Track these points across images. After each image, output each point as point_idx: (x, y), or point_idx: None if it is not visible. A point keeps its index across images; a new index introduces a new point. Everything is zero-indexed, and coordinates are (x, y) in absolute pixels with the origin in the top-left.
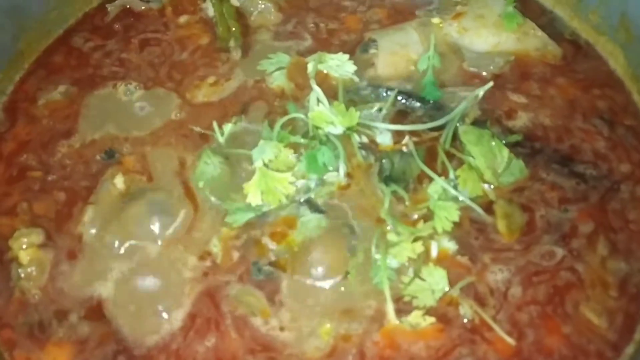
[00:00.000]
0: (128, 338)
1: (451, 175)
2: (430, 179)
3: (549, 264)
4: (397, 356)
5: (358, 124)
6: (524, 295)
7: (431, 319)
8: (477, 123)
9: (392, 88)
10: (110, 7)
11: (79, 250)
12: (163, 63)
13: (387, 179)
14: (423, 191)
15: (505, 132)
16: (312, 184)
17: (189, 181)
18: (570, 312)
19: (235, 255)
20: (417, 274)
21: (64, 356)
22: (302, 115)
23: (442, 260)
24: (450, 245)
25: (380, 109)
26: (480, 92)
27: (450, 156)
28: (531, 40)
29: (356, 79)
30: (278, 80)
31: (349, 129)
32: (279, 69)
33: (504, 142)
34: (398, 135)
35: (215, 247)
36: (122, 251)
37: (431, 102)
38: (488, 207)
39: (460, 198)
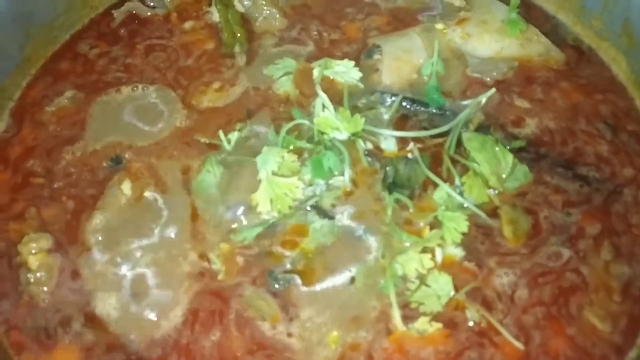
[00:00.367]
0: (133, 345)
1: (457, 181)
2: (435, 185)
3: (555, 264)
4: None
5: (363, 130)
6: (530, 297)
7: (438, 325)
8: (481, 129)
9: (397, 94)
10: (116, 13)
11: (85, 256)
12: (168, 68)
13: (391, 186)
14: (428, 198)
15: (509, 137)
16: (318, 190)
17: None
18: (575, 314)
19: (242, 266)
20: (422, 281)
21: (74, 356)
22: (306, 122)
23: (449, 267)
24: (458, 252)
25: (383, 115)
26: (484, 98)
27: (454, 162)
28: (534, 46)
29: (360, 85)
30: (285, 86)
31: (354, 134)
32: (285, 74)
33: (508, 147)
34: (402, 141)
35: (215, 264)
36: (126, 258)
37: (435, 107)
38: (493, 212)
39: (465, 204)
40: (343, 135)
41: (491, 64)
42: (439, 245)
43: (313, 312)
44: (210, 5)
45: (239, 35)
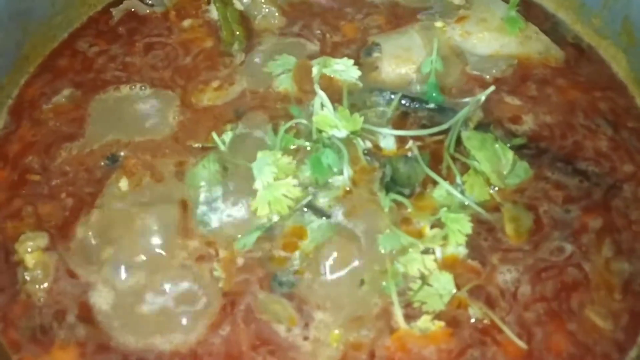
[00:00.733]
0: (130, 344)
1: (458, 180)
2: (435, 184)
3: (558, 259)
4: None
5: (362, 128)
6: (532, 293)
7: (440, 323)
8: (480, 127)
9: (396, 91)
10: (114, 11)
11: (81, 254)
12: (167, 67)
13: (389, 185)
14: (428, 196)
15: (509, 135)
16: (314, 189)
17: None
18: (576, 310)
19: (246, 271)
20: (425, 281)
21: (70, 357)
22: (304, 121)
23: (452, 265)
24: (461, 250)
25: (383, 113)
26: (483, 96)
27: (454, 160)
28: (534, 44)
29: (360, 83)
30: (284, 83)
31: (352, 133)
32: (284, 71)
33: (508, 145)
34: (401, 139)
35: (217, 271)
36: (121, 257)
37: (434, 105)
38: (494, 207)
39: (466, 202)
40: (342, 133)
41: (491, 62)
42: (442, 245)
43: (323, 313)
44: (208, 3)
45: (237, 33)
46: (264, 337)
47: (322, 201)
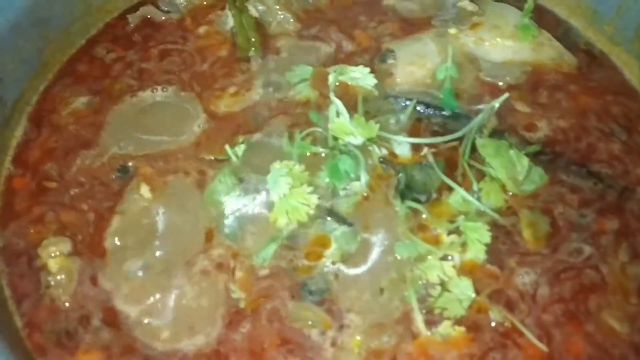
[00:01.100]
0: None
1: (474, 187)
2: (451, 190)
3: (576, 260)
4: None
5: (377, 136)
6: (551, 294)
7: (460, 329)
8: (494, 134)
9: (411, 98)
10: (131, 18)
11: (104, 259)
12: (183, 72)
13: (405, 192)
14: (444, 202)
15: (524, 141)
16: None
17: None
18: (594, 312)
19: (272, 284)
20: (444, 287)
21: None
22: (319, 129)
23: (471, 270)
24: (480, 256)
25: (398, 120)
26: (496, 103)
27: (469, 167)
28: (547, 51)
29: (375, 91)
30: (303, 91)
31: (368, 140)
32: (302, 80)
33: (523, 152)
34: (416, 146)
35: (235, 292)
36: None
37: (449, 111)
38: (510, 211)
39: (482, 208)
40: (358, 140)
41: (504, 68)
42: (459, 252)
43: (354, 317)
44: (223, 9)
45: (253, 39)
46: (290, 340)
47: (343, 208)
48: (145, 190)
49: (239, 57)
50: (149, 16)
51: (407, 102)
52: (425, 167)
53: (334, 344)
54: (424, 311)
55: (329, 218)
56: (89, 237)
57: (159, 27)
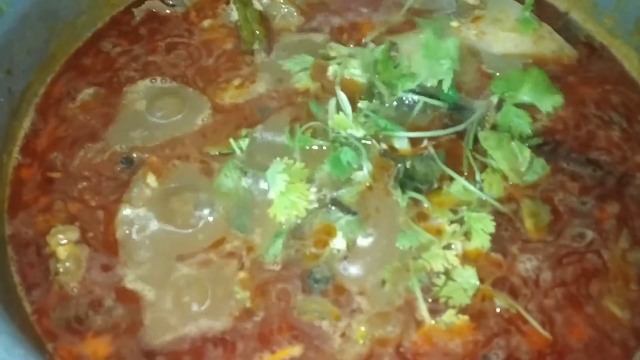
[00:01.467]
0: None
1: (477, 177)
2: (452, 180)
3: (579, 245)
4: (434, 353)
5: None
6: (553, 278)
7: (464, 317)
8: (496, 126)
9: (414, 89)
10: (136, 11)
11: (113, 246)
12: (189, 66)
13: (405, 182)
14: (445, 192)
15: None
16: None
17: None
18: (595, 296)
19: (282, 273)
20: (449, 276)
21: (103, 347)
22: (319, 123)
23: (475, 259)
24: (485, 245)
25: (401, 111)
26: (496, 97)
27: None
28: (547, 43)
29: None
30: (303, 80)
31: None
32: (303, 69)
33: (526, 144)
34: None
35: (239, 294)
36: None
37: (451, 103)
38: (511, 199)
39: (484, 197)
40: (359, 133)
41: (506, 61)
42: (462, 240)
43: (360, 307)
44: (227, 3)
45: (257, 32)
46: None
47: (347, 198)
48: (151, 180)
49: (243, 50)
50: (154, 9)
51: (411, 95)
52: (426, 158)
53: (343, 334)
54: (429, 300)
55: (333, 207)
56: (97, 225)
57: (164, 20)
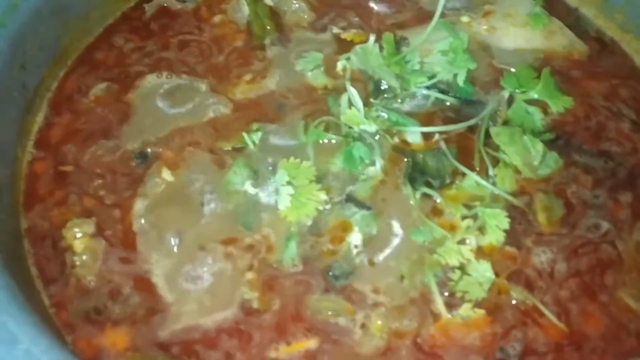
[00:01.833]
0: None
1: (490, 172)
2: (465, 175)
3: (594, 236)
4: (451, 346)
5: (389, 124)
6: (568, 269)
7: (481, 311)
8: (508, 121)
9: (427, 83)
10: (147, 7)
11: (131, 239)
12: (200, 61)
13: (416, 177)
14: (458, 187)
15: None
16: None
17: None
18: (610, 286)
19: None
20: (464, 271)
21: (122, 338)
22: (332, 118)
23: (489, 253)
24: (500, 240)
25: (414, 104)
26: (506, 93)
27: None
28: (558, 39)
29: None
30: (318, 79)
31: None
32: (316, 67)
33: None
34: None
35: (247, 294)
36: (173, 240)
37: (463, 97)
38: (523, 192)
39: (497, 192)
40: (372, 128)
41: (517, 55)
42: (476, 235)
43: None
44: None
45: (268, 28)
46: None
47: (360, 193)
48: (166, 174)
49: (254, 46)
50: (165, 4)
51: (424, 89)
52: (437, 153)
53: (363, 325)
54: (446, 293)
55: (347, 203)
56: (113, 218)
57: (174, 16)
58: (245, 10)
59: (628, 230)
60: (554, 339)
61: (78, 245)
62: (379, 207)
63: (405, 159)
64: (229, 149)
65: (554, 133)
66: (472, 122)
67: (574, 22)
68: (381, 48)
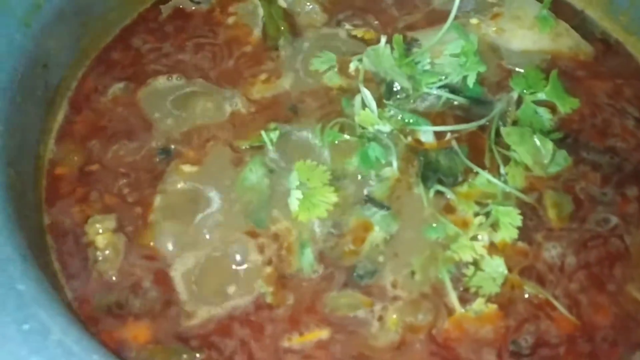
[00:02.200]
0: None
1: (502, 170)
2: (476, 173)
3: (603, 229)
4: (465, 339)
5: (403, 124)
6: (578, 262)
7: (493, 306)
8: (517, 121)
9: (438, 83)
10: (163, 8)
11: (149, 234)
12: (216, 62)
13: (429, 175)
14: (471, 184)
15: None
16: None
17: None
18: (618, 278)
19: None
20: (477, 266)
21: (144, 331)
22: (346, 120)
23: (502, 249)
24: (513, 237)
25: (426, 104)
26: (516, 93)
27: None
28: (565, 40)
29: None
30: (333, 79)
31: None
32: (330, 67)
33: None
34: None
35: (263, 287)
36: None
37: (473, 97)
38: (533, 188)
39: (508, 189)
40: (387, 128)
41: (525, 57)
42: (489, 232)
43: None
44: None
45: (282, 28)
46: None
47: (378, 193)
48: (186, 169)
49: (268, 46)
50: (181, 6)
51: (438, 92)
52: (450, 153)
53: (380, 317)
54: (460, 289)
55: (367, 204)
56: (134, 214)
57: (189, 17)
58: (259, 11)
59: (636, 224)
60: (565, 332)
61: (100, 240)
62: (396, 206)
63: (420, 158)
64: (247, 147)
65: (562, 132)
66: (482, 121)
67: (580, 24)
68: (392, 49)
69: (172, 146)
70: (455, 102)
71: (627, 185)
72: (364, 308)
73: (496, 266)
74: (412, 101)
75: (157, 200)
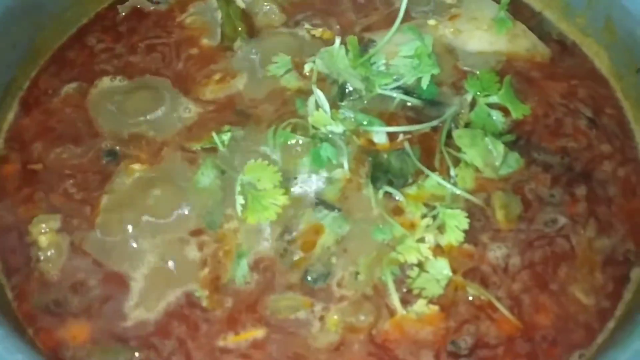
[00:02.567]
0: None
1: (452, 172)
2: (426, 175)
3: (550, 230)
4: (404, 340)
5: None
6: (522, 261)
7: (435, 307)
8: (470, 123)
9: (392, 84)
10: (120, 8)
11: (94, 233)
12: (171, 61)
13: (379, 177)
14: (420, 186)
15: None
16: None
17: None
18: (562, 278)
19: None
20: (422, 268)
21: (83, 331)
22: (300, 120)
23: (448, 250)
24: (459, 240)
25: (380, 105)
26: (469, 96)
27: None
28: (521, 42)
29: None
30: (291, 82)
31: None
32: (287, 71)
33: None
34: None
35: (197, 292)
36: (135, 234)
37: (427, 98)
38: (482, 189)
39: (457, 192)
40: (339, 129)
41: (481, 58)
42: (435, 234)
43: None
44: None
45: (240, 29)
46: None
47: (329, 195)
48: (134, 169)
49: (225, 46)
50: (138, 6)
51: (391, 93)
52: (402, 154)
53: (321, 318)
54: (404, 290)
55: (318, 206)
56: (81, 215)
57: (147, 16)
58: (217, 12)
59: (583, 224)
60: (506, 333)
61: (43, 240)
62: (347, 207)
63: (369, 159)
64: (198, 148)
65: (514, 134)
66: (435, 122)
67: (537, 25)
68: (347, 50)
69: (118, 148)
70: (409, 103)
71: (575, 184)
72: (305, 309)
73: (440, 268)
74: (365, 102)
75: (104, 200)
